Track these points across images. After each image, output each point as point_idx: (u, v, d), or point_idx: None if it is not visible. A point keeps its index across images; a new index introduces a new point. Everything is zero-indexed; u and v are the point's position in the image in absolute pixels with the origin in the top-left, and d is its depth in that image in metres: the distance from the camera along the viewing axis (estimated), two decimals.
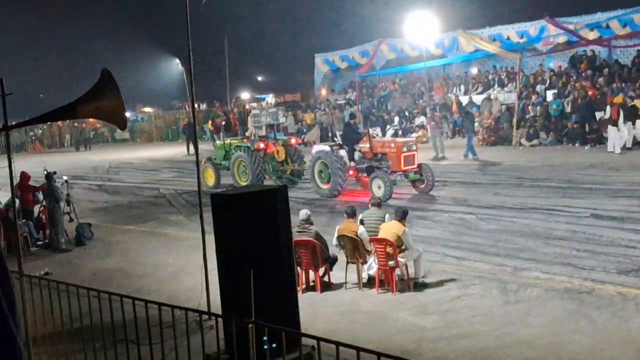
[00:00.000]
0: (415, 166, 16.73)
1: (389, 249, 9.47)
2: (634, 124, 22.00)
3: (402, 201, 15.72)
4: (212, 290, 7.85)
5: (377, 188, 15.96)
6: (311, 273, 9.98)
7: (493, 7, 36.70)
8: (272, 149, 19.70)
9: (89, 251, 13.78)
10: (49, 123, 42.63)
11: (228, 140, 21.46)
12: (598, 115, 23.91)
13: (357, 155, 17.44)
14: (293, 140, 21.04)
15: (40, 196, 14.69)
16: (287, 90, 48.54)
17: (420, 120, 29.26)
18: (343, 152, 17.37)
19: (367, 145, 17.11)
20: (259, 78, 61.41)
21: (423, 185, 16.76)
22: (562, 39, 28.73)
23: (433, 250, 11.22)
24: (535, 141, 24.94)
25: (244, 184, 18.95)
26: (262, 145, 19.52)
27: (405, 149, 16.58)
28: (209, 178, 20.45)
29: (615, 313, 8.04)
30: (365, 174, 17.01)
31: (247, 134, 21.74)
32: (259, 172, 18.95)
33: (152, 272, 11.57)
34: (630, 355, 6.91)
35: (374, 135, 19.96)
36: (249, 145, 19.70)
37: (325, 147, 17.70)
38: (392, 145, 16.93)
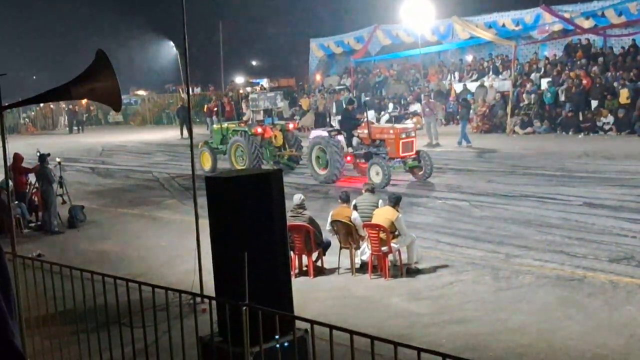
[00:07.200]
0: (413, 153, 16.65)
1: (382, 235, 9.49)
2: None
3: (398, 187, 15.72)
4: (205, 273, 7.86)
5: (375, 174, 15.89)
6: (304, 258, 10.00)
7: None
8: (270, 133, 19.58)
9: (82, 234, 13.76)
10: (42, 105, 42.37)
11: (225, 125, 21.28)
12: (593, 103, 23.99)
13: (355, 141, 17.36)
14: (291, 125, 20.93)
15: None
16: (282, 75, 48.25)
17: (414, 107, 29.19)
18: (341, 138, 17.29)
19: (366, 131, 17.02)
20: (254, 62, 61.02)
21: (421, 172, 16.68)
22: (557, 27, 28.66)
23: (426, 237, 11.26)
24: (529, 129, 24.97)
25: (240, 168, 18.87)
26: (259, 130, 19.40)
27: (404, 136, 16.49)
28: (206, 162, 20.29)
29: (606, 301, 8.10)
30: (363, 160, 16.96)
31: (244, 118, 21.59)
32: (256, 156, 18.83)
33: (145, 255, 11.57)
34: (621, 342, 6.97)
35: (372, 122, 19.91)
36: (246, 129, 19.57)
37: (323, 133, 17.55)
38: (391, 131, 16.81)
